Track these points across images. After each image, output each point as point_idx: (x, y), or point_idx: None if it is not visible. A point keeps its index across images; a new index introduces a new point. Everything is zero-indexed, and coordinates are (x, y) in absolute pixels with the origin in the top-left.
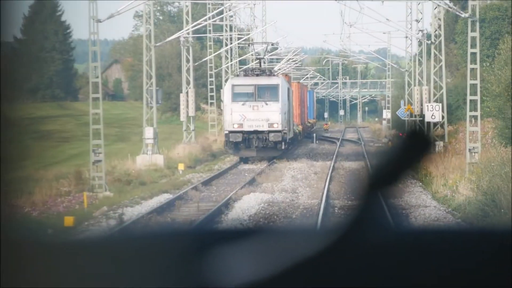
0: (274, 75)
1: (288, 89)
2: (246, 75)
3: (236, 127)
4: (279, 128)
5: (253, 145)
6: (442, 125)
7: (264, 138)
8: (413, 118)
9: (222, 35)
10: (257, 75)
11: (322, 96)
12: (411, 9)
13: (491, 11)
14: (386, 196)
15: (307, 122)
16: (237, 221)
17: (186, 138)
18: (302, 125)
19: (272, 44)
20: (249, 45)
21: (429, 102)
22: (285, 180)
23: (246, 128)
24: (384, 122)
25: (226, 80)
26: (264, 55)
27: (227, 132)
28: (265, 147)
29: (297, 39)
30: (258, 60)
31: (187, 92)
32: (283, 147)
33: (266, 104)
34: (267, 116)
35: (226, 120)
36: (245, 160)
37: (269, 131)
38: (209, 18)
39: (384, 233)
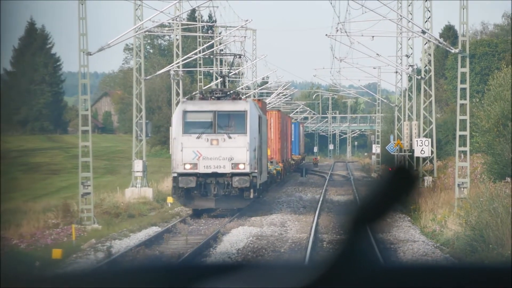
0: (240, 99)
1: (260, 117)
2: (203, 98)
3: (188, 169)
4: (247, 169)
5: (211, 193)
6: (431, 160)
7: (226, 183)
8: (403, 153)
9: (212, 69)
10: (218, 98)
11: (312, 130)
12: (401, 44)
13: (481, 47)
14: (375, 230)
15: (291, 159)
16: (226, 254)
17: None
18: (284, 163)
19: (240, 57)
20: (211, 56)
21: (419, 137)
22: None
23: (201, 169)
24: (374, 156)
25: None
26: (229, 71)
27: (175, 175)
28: (227, 195)
29: (287, 73)
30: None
31: None
32: (251, 196)
33: (230, 137)
34: (231, 154)
35: (175, 159)
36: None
37: (233, 174)
38: (200, 52)
39: (372, 268)
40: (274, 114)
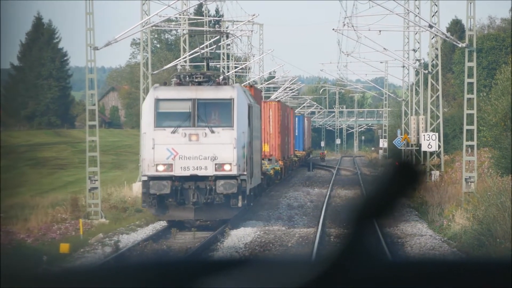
0: (227, 84)
1: (251, 107)
2: (180, 83)
3: (161, 171)
4: (233, 171)
5: (189, 201)
6: (438, 155)
7: (208, 188)
8: (410, 148)
9: (219, 63)
10: (199, 83)
11: (319, 125)
12: (408, 38)
13: (488, 41)
14: (382, 224)
15: (294, 156)
16: (233, 249)
17: None
18: (285, 160)
19: (227, 36)
20: (192, 36)
21: (426, 131)
22: None
23: (177, 172)
24: (381, 151)
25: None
26: (209, 51)
27: (145, 178)
28: (209, 203)
29: (294, 67)
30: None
31: None
32: (239, 204)
33: (212, 131)
34: (214, 152)
35: (145, 158)
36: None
37: (217, 177)
38: (207, 47)
39: (380, 262)
40: (273, 105)
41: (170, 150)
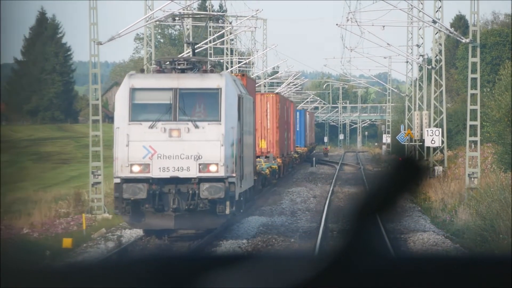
0: (213, 72)
1: (241, 98)
2: (160, 70)
3: (136, 172)
4: (221, 173)
5: (168, 207)
6: (441, 150)
7: (190, 192)
8: (413, 143)
9: (222, 59)
10: (182, 70)
11: (322, 120)
12: (412, 34)
13: (492, 36)
14: (385, 220)
15: (294, 152)
16: (236, 244)
17: None
18: (284, 158)
19: (218, 20)
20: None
21: (429, 127)
22: None
23: (155, 173)
24: (384, 146)
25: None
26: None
27: (118, 181)
28: (192, 210)
29: (298, 63)
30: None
31: None
32: (227, 211)
33: (196, 126)
34: (198, 150)
35: (118, 157)
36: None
37: (201, 180)
38: (210, 42)
39: (382, 258)
40: (271, 98)
41: (147, 148)
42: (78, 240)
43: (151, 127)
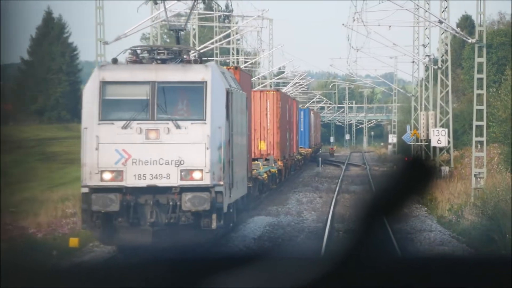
0: (198, 63)
1: (230, 93)
2: (136, 61)
3: (107, 180)
4: (206, 181)
5: (145, 220)
6: (448, 150)
7: (171, 204)
8: (419, 143)
9: (228, 58)
10: (162, 61)
11: (328, 120)
12: (418, 34)
13: (498, 36)
14: (392, 220)
15: (297, 154)
16: (242, 243)
17: None
18: (285, 160)
19: (204, 2)
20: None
21: (435, 127)
22: None
23: (130, 181)
24: (390, 146)
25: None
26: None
27: (86, 190)
28: (173, 224)
29: (304, 63)
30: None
31: None
32: (213, 225)
33: (178, 127)
34: (179, 155)
35: (87, 163)
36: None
37: (183, 189)
38: (216, 41)
39: (389, 258)
40: (271, 95)
41: (120, 151)
42: (84, 240)
43: (124, 127)
